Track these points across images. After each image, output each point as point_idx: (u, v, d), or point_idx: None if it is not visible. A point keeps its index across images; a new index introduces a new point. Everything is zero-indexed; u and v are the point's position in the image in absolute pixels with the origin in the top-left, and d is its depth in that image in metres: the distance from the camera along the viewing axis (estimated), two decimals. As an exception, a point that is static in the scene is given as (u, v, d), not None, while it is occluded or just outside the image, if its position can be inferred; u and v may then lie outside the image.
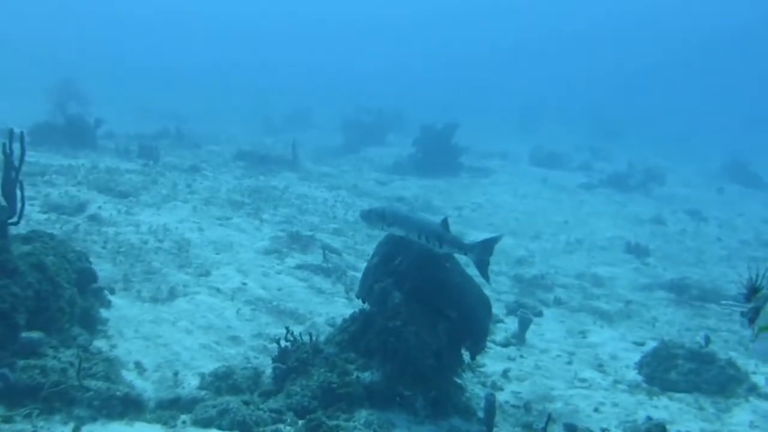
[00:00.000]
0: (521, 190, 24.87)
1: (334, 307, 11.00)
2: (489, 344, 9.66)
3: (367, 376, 7.37)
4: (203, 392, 7.47)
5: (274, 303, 10.69)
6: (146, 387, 7.54)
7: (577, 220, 21.08)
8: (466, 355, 7.95)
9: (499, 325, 11.41)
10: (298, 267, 12.51)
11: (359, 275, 8.69)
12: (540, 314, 12.30)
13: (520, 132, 44.71)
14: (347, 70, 71.42)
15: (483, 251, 7.31)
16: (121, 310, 9.33)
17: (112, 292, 9.79)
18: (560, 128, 45.81)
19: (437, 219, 7.51)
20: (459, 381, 7.99)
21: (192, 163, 20.58)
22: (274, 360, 7.88)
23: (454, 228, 7.59)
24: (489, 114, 48.67)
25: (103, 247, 11.54)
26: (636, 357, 10.53)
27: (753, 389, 9.46)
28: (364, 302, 8.01)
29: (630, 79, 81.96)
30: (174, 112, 36.33)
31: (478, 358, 8.44)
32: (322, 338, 8.24)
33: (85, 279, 8.78)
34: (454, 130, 26.23)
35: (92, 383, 6.78)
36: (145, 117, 33.39)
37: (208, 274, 11.43)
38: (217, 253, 12.52)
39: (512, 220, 20.17)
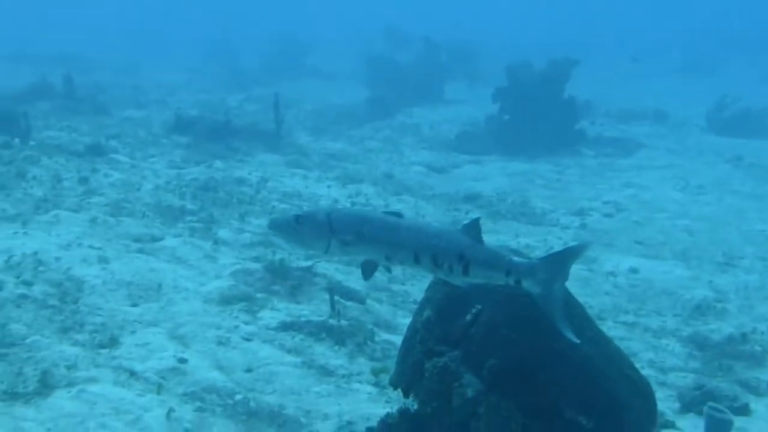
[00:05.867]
0: (695, 179, 24.84)
1: (351, 401, 10.60)
2: (652, 472, 9.13)
3: None
4: None
5: (239, 396, 10.28)
6: None
7: (803, 234, 20.92)
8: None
9: (668, 432, 11.02)
10: (284, 327, 12.26)
11: (398, 341, 8.45)
12: (745, 411, 11.76)
13: (685, 77, 44.59)
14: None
15: (551, 271, 6.51)
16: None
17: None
18: (757, 69, 45.69)
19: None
20: None
21: (92, 140, 20.81)
22: None
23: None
24: (627, 46, 48.68)
25: None
26: None
27: None
28: (407, 395, 7.67)
29: None
30: (68, 56, 36.50)
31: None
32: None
33: None
34: (569, 73, 25.91)
35: None
36: (17, 66, 33.66)
37: (115, 343, 11.11)
38: (134, 305, 12.36)
39: (681, 234, 20.09)
